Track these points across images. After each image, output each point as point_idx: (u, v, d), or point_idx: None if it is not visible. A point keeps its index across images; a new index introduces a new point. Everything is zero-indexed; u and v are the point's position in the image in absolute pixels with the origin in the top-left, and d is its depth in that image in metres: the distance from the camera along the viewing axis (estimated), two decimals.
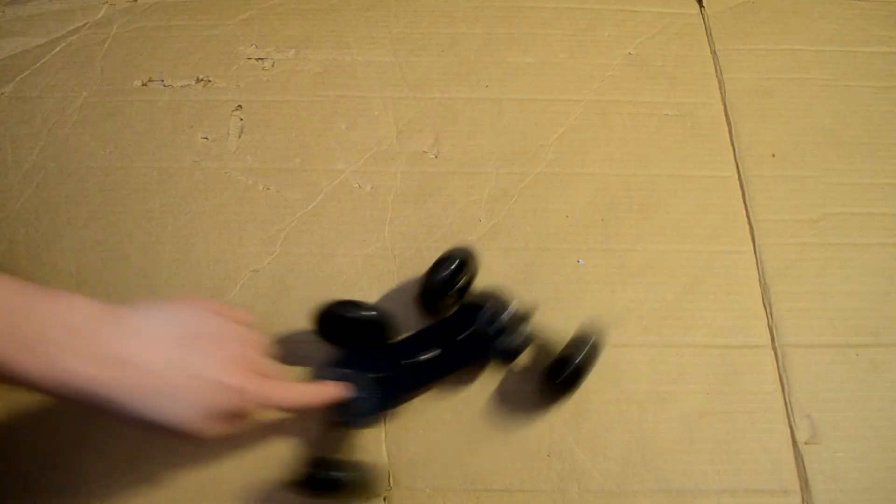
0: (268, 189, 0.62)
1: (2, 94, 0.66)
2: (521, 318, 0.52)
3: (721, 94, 0.67)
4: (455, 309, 0.54)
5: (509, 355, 0.52)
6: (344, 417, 0.50)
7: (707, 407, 0.54)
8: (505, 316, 0.52)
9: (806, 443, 0.53)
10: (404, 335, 0.54)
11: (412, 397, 0.53)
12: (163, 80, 0.67)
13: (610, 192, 0.62)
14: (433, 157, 0.64)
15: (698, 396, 0.54)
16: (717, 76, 0.68)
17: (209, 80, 0.67)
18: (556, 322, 0.56)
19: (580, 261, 0.59)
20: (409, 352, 0.52)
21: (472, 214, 0.61)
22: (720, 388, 0.55)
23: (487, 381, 0.54)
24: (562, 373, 0.50)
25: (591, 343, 0.51)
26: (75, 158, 0.63)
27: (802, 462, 0.52)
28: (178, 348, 0.41)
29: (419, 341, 0.53)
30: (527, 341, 0.52)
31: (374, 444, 0.52)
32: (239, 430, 0.45)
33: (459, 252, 0.53)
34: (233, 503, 0.50)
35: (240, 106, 0.66)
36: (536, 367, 0.53)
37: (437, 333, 0.53)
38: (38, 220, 0.60)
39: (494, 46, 0.70)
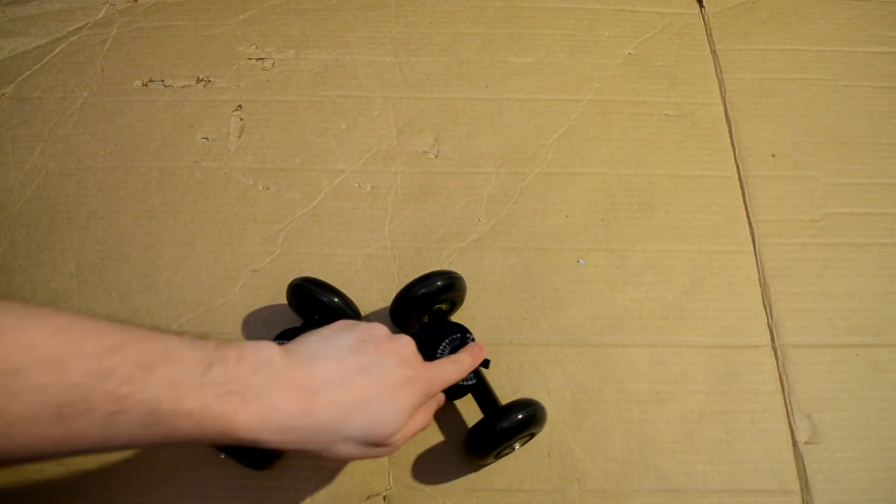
0: (268, 189, 0.62)
1: (2, 94, 0.66)
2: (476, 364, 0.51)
3: (721, 94, 0.67)
4: (420, 327, 0.53)
5: (452, 393, 0.50)
6: None
7: (707, 407, 0.54)
8: (456, 344, 0.50)
9: (806, 443, 0.53)
10: None
11: None
12: (163, 80, 0.67)
13: (610, 192, 0.62)
14: (433, 157, 0.64)
15: (698, 396, 0.54)
16: (717, 76, 0.68)
17: (209, 80, 0.67)
18: (556, 322, 0.56)
19: (580, 261, 0.59)
20: None
21: (472, 214, 0.61)
22: (720, 388, 0.54)
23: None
24: (480, 434, 0.47)
25: (522, 414, 0.47)
26: (76, 158, 0.63)
27: (802, 462, 0.52)
28: (355, 360, 0.40)
29: None
30: (471, 388, 0.50)
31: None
32: (430, 420, 0.45)
33: (444, 277, 0.51)
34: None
35: (240, 106, 0.66)
36: (469, 417, 0.52)
37: None
38: (38, 220, 0.60)
39: (494, 46, 0.70)
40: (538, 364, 0.55)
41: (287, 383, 0.37)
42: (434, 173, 0.63)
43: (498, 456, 0.50)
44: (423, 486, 0.51)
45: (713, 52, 0.70)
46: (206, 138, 0.64)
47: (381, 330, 0.43)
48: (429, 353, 0.49)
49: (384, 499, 0.50)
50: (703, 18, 0.72)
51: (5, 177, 0.62)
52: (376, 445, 0.40)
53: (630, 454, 0.52)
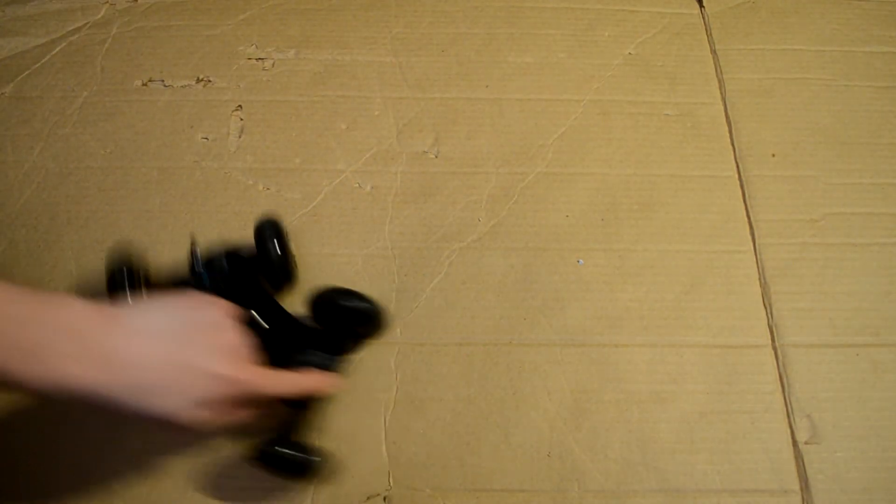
0: (268, 189, 0.62)
1: (2, 94, 0.66)
2: (338, 362, 0.51)
3: (721, 94, 0.67)
4: (321, 329, 0.53)
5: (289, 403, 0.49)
6: (182, 280, 0.52)
7: (707, 407, 0.54)
8: (324, 362, 0.51)
9: (806, 443, 0.53)
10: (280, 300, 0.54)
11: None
12: (163, 80, 0.67)
13: (610, 192, 0.62)
14: (433, 157, 0.64)
15: (698, 396, 0.54)
16: (717, 76, 0.68)
17: (209, 80, 0.67)
18: (556, 322, 0.56)
19: (580, 261, 0.59)
20: (258, 307, 0.51)
21: (472, 214, 0.61)
22: (720, 388, 0.54)
23: (488, 381, 0.54)
24: (266, 448, 0.48)
25: (304, 457, 0.48)
26: (75, 158, 0.63)
27: (802, 462, 0.52)
28: (173, 342, 0.42)
29: (274, 312, 0.52)
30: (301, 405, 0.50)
31: (374, 444, 0.52)
32: (238, 419, 0.45)
33: (368, 304, 0.53)
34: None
35: (240, 106, 0.66)
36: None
37: (287, 323, 0.52)
38: (38, 219, 0.60)
39: (494, 46, 0.70)
40: (538, 364, 0.55)
41: (94, 353, 0.38)
42: (434, 173, 0.63)
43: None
44: (423, 486, 0.51)
45: (713, 52, 0.70)
46: (206, 138, 0.64)
47: (217, 315, 0.45)
48: (287, 351, 0.50)
49: (384, 499, 0.50)
50: (703, 18, 0.72)
51: (5, 176, 0.62)
52: (168, 427, 0.41)
53: (630, 454, 0.52)
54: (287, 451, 0.48)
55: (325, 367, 0.51)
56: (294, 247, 0.58)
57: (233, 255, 0.53)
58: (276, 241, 0.54)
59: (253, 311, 0.51)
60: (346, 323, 0.53)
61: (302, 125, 0.65)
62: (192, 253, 0.51)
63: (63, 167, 0.63)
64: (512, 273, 0.59)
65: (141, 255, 0.55)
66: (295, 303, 0.56)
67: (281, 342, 0.51)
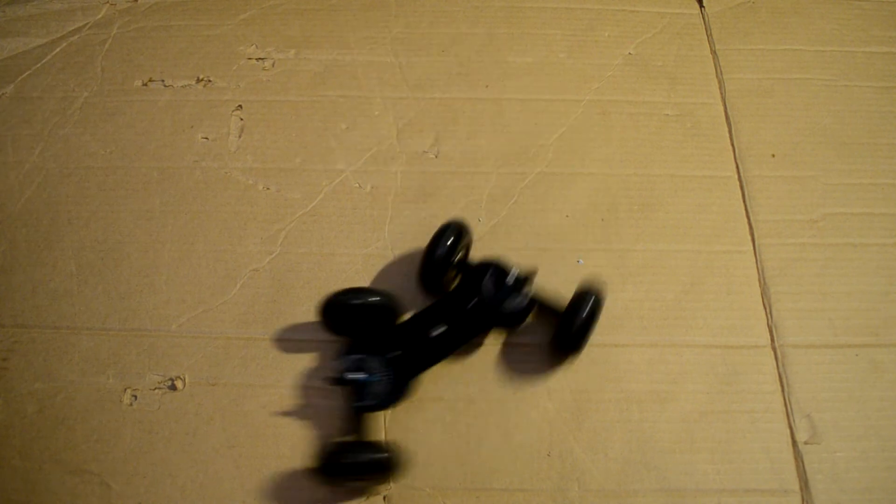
0: (268, 189, 0.62)
1: (3, 94, 0.66)
2: (524, 281, 0.53)
3: (721, 94, 0.67)
4: (457, 282, 0.55)
5: (515, 319, 0.53)
6: (364, 402, 0.51)
7: (707, 407, 0.54)
8: (508, 280, 0.53)
9: (806, 443, 0.53)
10: (411, 314, 0.54)
11: (423, 370, 0.53)
12: (163, 80, 0.67)
13: (610, 192, 0.62)
14: (433, 157, 0.64)
15: (698, 396, 0.54)
16: (717, 76, 0.68)
17: (209, 80, 0.67)
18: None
19: (580, 261, 0.59)
20: (418, 330, 0.53)
21: (472, 214, 0.61)
22: (720, 388, 0.54)
23: (488, 381, 0.54)
24: (568, 333, 0.51)
25: (592, 300, 0.51)
26: (76, 158, 0.63)
27: (802, 462, 0.52)
28: None
29: (427, 318, 0.53)
30: (531, 304, 0.53)
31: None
32: None
33: (454, 225, 0.54)
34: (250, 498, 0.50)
35: (240, 106, 0.66)
36: (541, 330, 0.54)
37: (443, 308, 0.53)
38: (38, 219, 0.60)
39: (494, 46, 0.70)
40: (538, 364, 0.55)
41: None
42: (434, 173, 0.63)
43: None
44: (423, 486, 0.51)
45: (713, 52, 0.70)
46: (206, 138, 0.64)
47: None
48: (477, 292, 0.53)
49: (384, 499, 0.50)
50: (703, 18, 0.72)
51: (5, 177, 0.62)
52: None
53: (630, 454, 0.52)
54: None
55: (505, 272, 0.53)
56: (281, 256, 0.58)
57: (354, 346, 0.52)
58: (364, 295, 0.53)
59: (431, 333, 0.52)
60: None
61: (302, 125, 0.65)
62: (349, 381, 0.51)
63: (63, 167, 0.63)
64: None
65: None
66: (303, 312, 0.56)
67: (464, 318, 0.53)
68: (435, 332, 0.52)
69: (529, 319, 0.54)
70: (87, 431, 0.52)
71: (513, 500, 0.51)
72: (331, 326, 0.53)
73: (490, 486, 0.51)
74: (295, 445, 0.52)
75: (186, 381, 0.54)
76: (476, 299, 0.52)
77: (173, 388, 0.54)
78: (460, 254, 0.54)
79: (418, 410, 0.53)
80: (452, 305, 0.53)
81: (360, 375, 0.51)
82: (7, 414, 0.53)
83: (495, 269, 0.53)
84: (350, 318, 0.53)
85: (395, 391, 0.51)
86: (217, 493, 0.51)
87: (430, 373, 0.54)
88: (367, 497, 0.50)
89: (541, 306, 0.54)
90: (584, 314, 0.51)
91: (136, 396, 0.53)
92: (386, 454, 0.48)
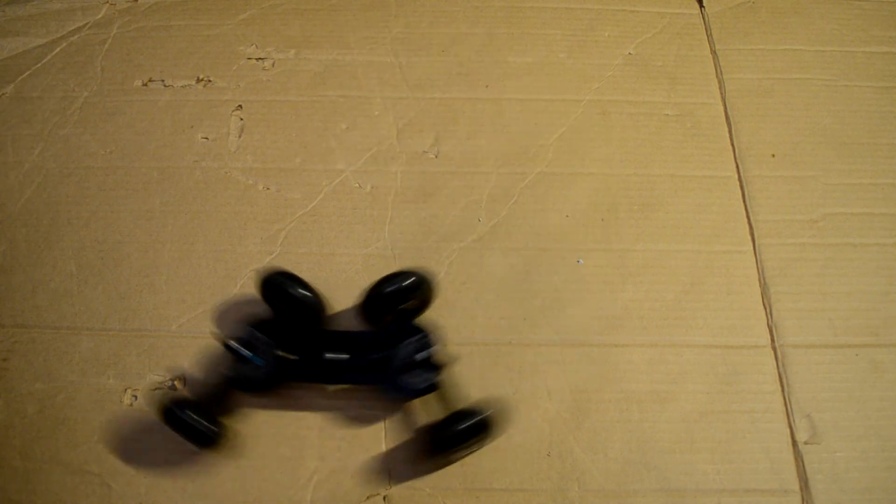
0: (268, 189, 0.62)
1: (2, 94, 0.66)
2: (437, 364, 0.51)
3: (721, 94, 0.67)
4: (386, 327, 0.53)
5: (409, 393, 0.50)
6: (233, 374, 0.50)
7: (707, 407, 0.54)
8: (419, 356, 0.50)
9: (806, 443, 0.53)
10: (332, 328, 0.54)
11: (305, 383, 0.53)
12: (163, 80, 0.67)
13: (610, 192, 0.62)
14: (433, 157, 0.64)
15: (698, 396, 0.54)
16: (717, 76, 0.68)
17: (209, 80, 0.67)
18: (556, 322, 0.56)
19: (580, 261, 0.59)
20: (321, 345, 0.52)
21: (472, 214, 0.61)
22: (720, 388, 0.55)
23: (488, 381, 0.54)
24: (438, 435, 0.48)
25: (479, 418, 0.48)
26: (76, 158, 0.63)
27: (802, 462, 0.52)
28: None
29: (338, 340, 0.53)
30: (430, 389, 0.50)
31: (374, 444, 0.52)
32: None
33: (417, 277, 0.52)
34: None
35: (240, 106, 0.66)
36: (430, 416, 0.51)
37: (357, 341, 0.53)
38: (38, 220, 0.60)
39: (494, 46, 0.70)
40: (538, 364, 0.55)
41: None
42: (434, 173, 0.63)
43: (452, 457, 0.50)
44: (423, 486, 0.51)
45: (713, 52, 0.70)
46: (206, 138, 0.64)
47: None
48: (392, 349, 0.51)
49: (384, 499, 0.50)
50: (703, 18, 0.72)
51: (5, 177, 0.62)
52: None
53: (630, 454, 0.52)
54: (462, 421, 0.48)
55: (425, 347, 0.51)
56: (281, 256, 0.58)
57: (257, 324, 0.52)
58: (296, 285, 0.52)
59: (326, 354, 0.51)
60: (401, 305, 0.52)
61: (302, 125, 0.65)
62: (229, 346, 0.50)
63: (63, 167, 0.63)
64: (512, 273, 0.59)
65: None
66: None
67: (364, 358, 0.51)
68: (330, 356, 0.52)
69: (428, 401, 0.51)
70: (87, 432, 0.52)
71: (513, 500, 0.51)
72: (265, 298, 0.53)
73: (490, 486, 0.51)
74: (296, 445, 0.52)
75: (186, 381, 0.54)
76: (382, 355, 0.51)
77: (173, 388, 0.54)
78: (408, 302, 0.53)
79: (418, 410, 0.53)
80: (365, 344, 0.52)
81: (244, 351, 0.50)
82: (7, 414, 0.53)
83: (421, 339, 0.51)
84: (278, 300, 0.52)
85: (263, 384, 0.51)
86: (217, 493, 0.51)
87: None
88: (368, 497, 0.50)
89: (439, 394, 0.51)
90: (457, 430, 0.48)
91: (136, 396, 0.54)
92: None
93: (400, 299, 0.52)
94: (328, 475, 0.51)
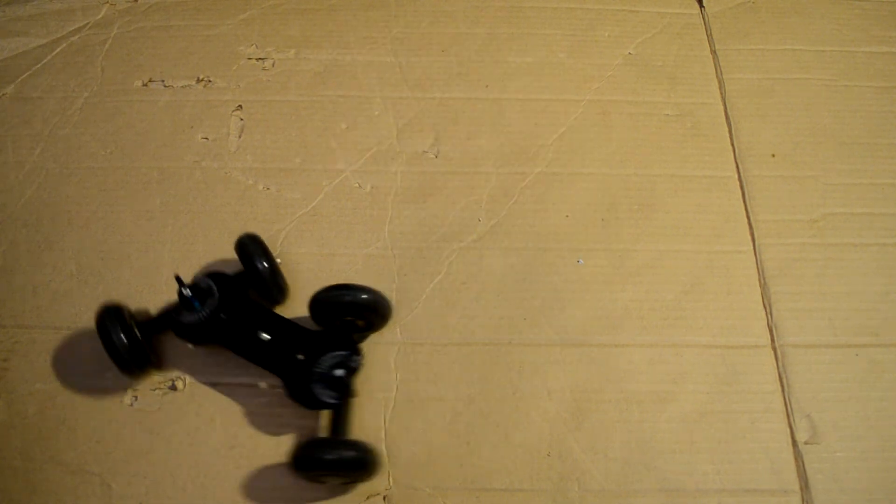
0: (268, 189, 0.62)
1: (3, 94, 0.66)
2: (347, 387, 0.50)
3: (721, 94, 0.67)
4: (328, 333, 0.53)
5: (310, 401, 0.50)
6: (176, 316, 0.51)
7: (707, 407, 0.54)
8: (338, 372, 0.50)
9: (806, 443, 0.53)
10: (278, 311, 0.54)
11: (220, 345, 0.53)
12: (163, 81, 0.67)
13: (610, 192, 0.62)
14: (433, 157, 0.64)
15: (698, 396, 0.54)
16: (717, 76, 0.68)
17: (209, 80, 0.67)
18: (556, 322, 0.56)
19: (580, 261, 0.59)
20: (254, 321, 0.52)
21: (472, 214, 0.61)
22: (720, 388, 0.55)
23: (488, 381, 0.54)
24: (303, 452, 0.47)
25: (348, 453, 0.48)
26: (76, 159, 0.63)
27: (802, 462, 0.52)
28: None
29: (274, 323, 0.53)
30: (330, 406, 0.50)
31: (374, 444, 0.52)
32: None
33: (374, 300, 0.52)
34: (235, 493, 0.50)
35: (240, 106, 0.66)
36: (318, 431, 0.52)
37: (291, 332, 0.52)
38: (38, 220, 0.60)
39: (494, 46, 0.70)
40: (538, 364, 0.55)
41: None
42: (434, 173, 0.63)
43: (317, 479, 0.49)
44: (423, 486, 0.51)
45: (713, 52, 0.70)
46: (206, 138, 0.64)
47: None
48: (315, 357, 0.50)
49: (384, 499, 0.51)
50: (703, 18, 0.72)
51: (5, 177, 0.62)
52: None
53: (630, 454, 0.52)
54: (337, 449, 0.48)
55: (346, 367, 0.50)
56: (281, 256, 0.58)
57: (218, 276, 0.53)
58: (261, 255, 0.53)
59: (258, 331, 0.52)
60: (349, 318, 0.53)
61: (302, 125, 0.65)
62: (178, 280, 0.51)
63: (64, 167, 0.63)
64: (512, 273, 0.59)
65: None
66: (297, 310, 0.56)
67: (286, 350, 0.51)
68: (257, 335, 0.52)
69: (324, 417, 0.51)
70: (87, 432, 0.52)
71: (513, 500, 0.51)
72: (239, 257, 0.54)
73: (490, 486, 0.51)
74: (295, 445, 0.52)
75: (187, 381, 0.54)
76: (303, 358, 0.51)
77: (174, 388, 0.54)
78: (358, 319, 0.53)
79: (418, 410, 0.53)
80: (296, 338, 0.52)
81: (189, 295, 0.51)
82: (8, 415, 0.53)
83: (347, 357, 0.51)
84: (244, 261, 0.54)
85: (195, 335, 0.52)
86: (217, 493, 0.51)
87: (430, 373, 0.54)
88: (368, 497, 0.50)
89: (334, 415, 0.50)
90: (323, 457, 0.47)
91: (136, 397, 0.54)
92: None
93: (344, 311, 0.52)
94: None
